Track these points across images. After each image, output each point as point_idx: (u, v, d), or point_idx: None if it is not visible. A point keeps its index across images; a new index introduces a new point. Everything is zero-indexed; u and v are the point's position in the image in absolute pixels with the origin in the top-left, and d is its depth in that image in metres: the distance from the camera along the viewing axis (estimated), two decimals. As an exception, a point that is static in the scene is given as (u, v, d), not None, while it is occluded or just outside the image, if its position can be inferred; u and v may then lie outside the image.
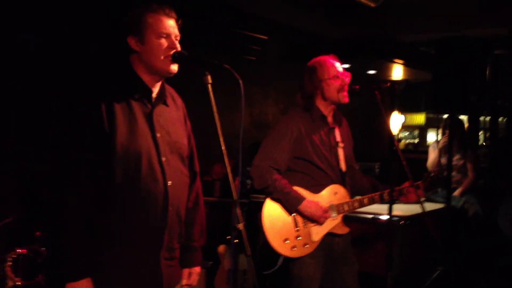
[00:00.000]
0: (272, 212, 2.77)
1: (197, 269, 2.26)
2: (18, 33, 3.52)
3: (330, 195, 2.82)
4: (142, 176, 1.93)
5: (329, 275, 2.89)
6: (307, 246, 2.76)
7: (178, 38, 2.03)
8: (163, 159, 2.00)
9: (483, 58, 3.97)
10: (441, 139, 5.36)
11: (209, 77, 1.90)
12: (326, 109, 2.87)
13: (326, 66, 2.82)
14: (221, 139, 1.89)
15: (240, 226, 1.86)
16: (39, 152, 3.32)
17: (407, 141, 17.57)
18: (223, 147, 1.89)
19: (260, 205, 2.85)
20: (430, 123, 17.27)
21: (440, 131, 5.56)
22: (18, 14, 3.52)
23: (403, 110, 9.18)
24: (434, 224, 2.86)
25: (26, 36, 3.54)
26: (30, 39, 3.56)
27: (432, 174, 3.04)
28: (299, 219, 2.79)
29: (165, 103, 2.10)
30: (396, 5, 4.98)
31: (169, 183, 2.00)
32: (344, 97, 2.82)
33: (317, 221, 2.76)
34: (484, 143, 9.54)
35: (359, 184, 3.03)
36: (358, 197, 2.88)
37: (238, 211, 1.87)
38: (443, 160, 5.24)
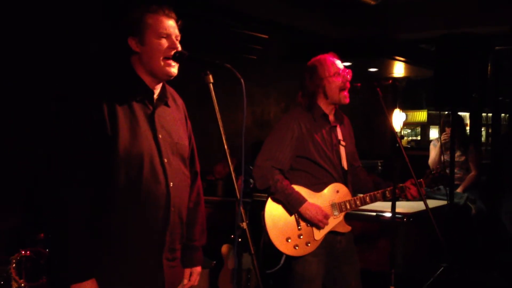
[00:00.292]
0: (274, 211, 2.78)
1: (198, 269, 2.27)
2: (18, 34, 3.52)
3: (332, 193, 2.82)
4: (144, 177, 1.94)
5: (330, 274, 2.90)
6: (309, 244, 2.77)
7: (179, 38, 2.03)
8: (165, 160, 2.01)
9: (484, 54, 3.95)
10: (441, 136, 5.35)
11: (210, 77, 1.91)
12: (327, 108, 2.87)
13: (326, 64, 2.82)
14: (224, 139, 1.89)
15: (244, 225, 1.87)
16: (41, 154, 3.32)
17: (409, 139, 17.56)
18: (225, 147, 1.89)
19: (263, 204, 2.85)
20: (432, 120, 17.26)
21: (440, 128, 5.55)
22: (18, 14, 3.52)
23: (405, 107, 9.18)
24: (436, 221, 2.85)
25: (26, 36, 3.54)
26: (30, 39, 3.56)
27: (434, 172, 3.03)
28: (301, 218, 2.80)
29: (166, 104, 2.11)
30: (396, 3, 4.98)
31: (171, 184, 2.01)
32: (345, 98, 2.83)
33: (316, 224, 2.76)
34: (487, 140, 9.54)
35: (362, 182, 3.03)
36: (360, 195, 2.88)
37: (242, 210, 1.87)
38: (445, 157, 5.24)
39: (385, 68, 6.82)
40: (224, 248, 3.88)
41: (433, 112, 15.58)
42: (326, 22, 5.71)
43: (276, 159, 2.77)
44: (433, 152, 5.57)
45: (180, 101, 2.22)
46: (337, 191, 2.83)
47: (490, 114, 7.31)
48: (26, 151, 3.47)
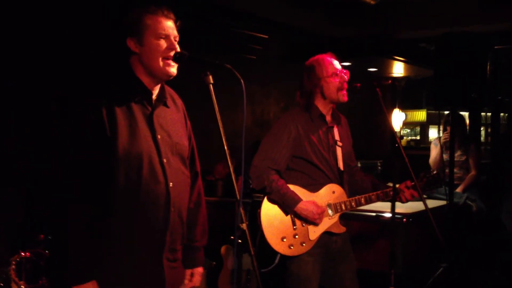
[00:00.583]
0: (270, 211, 2.79)
1: (199, 270, 2.27)
2: (18, 35, 3.52)
3: (328, 194, 2.84)
4: (143, 178, 1.94)
5: (326, 273, 2.90)
6: (304, 244, 2.79)
7: (177, 39, 2.04)
8: (164, 160, 2.01)
9: (483, 53, 3.95)
10: (442, 136, 5.35)
11: (210, 77, 1.91)
12: (325, 108, 2.88)
13: (324, 64, 2.83)
14: (224, 139, 1.89)
15: (244, 226, 1.86)
16: (41, 154, 3.32)
17: (409, 138, 17.57)
18: (225, 147, 1.89)
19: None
20: (432, 120, 17.28)
21: (441, 128, 5.54)
22: (18, 15, 3.51)
23: (404, 107, 9.18)
24: (436, 221, 2.86)
25: (26, 37, 3.54)
26: (29, 40, 3.55)
27: (428, 175, 3.03)
28: (297, 218, 2.81)
29: (165, 105, 2.11)
30: (395, 2, 4.98)
31: (171, 184, 2.01)
32: (343, 96, 2.83)
33: (313, 222, 2.78)
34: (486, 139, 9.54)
35: (358, 183, 3.04)
36: (355, 197, 2.89)
37: (241, 211, 1.87)
38: (445, 157, 5.24)
39: (385, 67, 6.83)
40: (224, 249, 3.88)
41: (433, 111, 15.59)
42: (326, 22, 5.71)
43: (272, 160, 2.78)
44: (434, 151, 5.57)
45: (179, 101, 2.22)
46: (333, 192, 2.85)
47: (489, 114, 7.32)
48: (26, 152, 3.47)
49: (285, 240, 2.77)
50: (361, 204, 2.88)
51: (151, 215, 1.96)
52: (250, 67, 5.59)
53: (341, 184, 2.88)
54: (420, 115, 18.03)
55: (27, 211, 3.37)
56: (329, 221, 2.83)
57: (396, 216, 3.68)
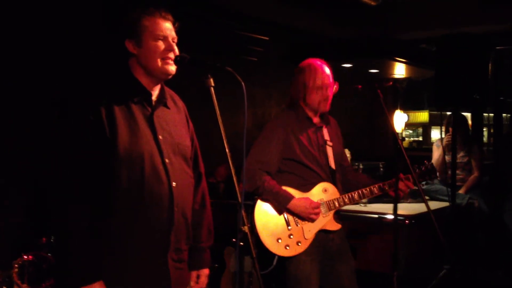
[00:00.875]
0: (263, 212, 2.81)
1: (205, 271, 2.26)
2: (18, 36, 3.53)
3: (320, 192, 2.86)
4: (146, 178, 1.94)
5: (325, 273, 2.91)
6: (300, 244, 2.80)
7: (175, 40, 2.04)
8: (166, 160, 2.01)
9: (484, 54, 3.95)
10: (444, 137, 5.34)
11: (211, 80, 1.91)
12: (309, 112, 2.91)
13: (313, 74, 2.85)
14: (225, 142, 1.89)
15: (245, 228, 1.86)
16: (42, 157, 3.32)
17: (411, 139, 17.54)
18: (227, 149, 1.89)
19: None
20: (434, 121, 17.25)
21: (443, 129, 5.52)
22: (18, 16, 3.52)
23: (406, 108, 9.15)
24: (439, 222, 2.86)
25: (25, 38, 3.54)
26: (29, 41, 3.56)
27: (422, 166, 3.04)
28: (291, 218, 2.83)
29: (165, 105, 2.11)
30: (396, 3, 4.97)
31: (174, 184, 2.01)
32: (325, 107, 2.87)
33: (308, 218, 2.79)
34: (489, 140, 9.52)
35: (351, 182, 3.05)
36: (348, 193, 2.91)
37: (243, 213, 1.87)
38: (448, 158, 5.23)
39: (386, 69, 6.81)
40: (226, 251, 3.88)
41: (435, 112, 15.56)
42: (327, 23, 5.70)
43: (263, 162, 2.82)
44: (436, 153, 5.56)
45: (180, 103, 2.23)
46: (325, 190, 2.87)
47: (491, 114, 7.29)
48: (27, 154, 3.47)
49: (280, 241, 2.78)
50: (354, 200, 2.90)
51: (155, 215, 1.96)
52: (251, 69, 5.59)
53: (333, 182, 2.90)
54: (422, 116, 18.00)
55: (29, 214, 3.37)
56: (323, 219, 2.84)
57: (399, 217, 3.68)
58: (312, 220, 2.80)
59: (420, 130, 18.99)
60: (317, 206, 2.79)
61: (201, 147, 2.28)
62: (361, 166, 5.45)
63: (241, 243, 1.85)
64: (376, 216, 4.10)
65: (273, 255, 2.80)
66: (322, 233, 2.85)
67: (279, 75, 6.14)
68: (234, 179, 1.91)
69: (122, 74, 2.05)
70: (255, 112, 6.06)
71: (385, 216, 4.04)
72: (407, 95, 8.66)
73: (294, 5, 5.09)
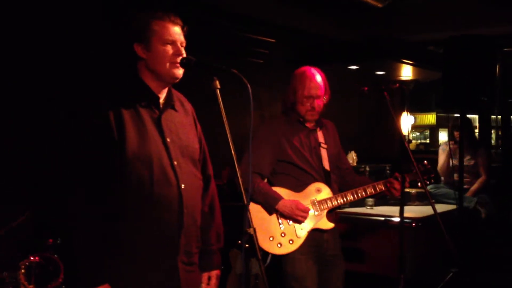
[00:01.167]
0: (256, 212, 2.85)
1: (216, 273, 2.25)
2: (24, 39, 3.55)
3: (313, 192, 2.91)
4: (155, 180, 1.95)
5: (318, 276, 2.93)
6: (292, 242, 2.85)
7: (184, 44, 2.05)
8: (175, 163, 2.01)
9: (492, 56, 3.93)
10: (449, 143, 5.32)
11: (217, 83, 1.91)
12: (301, 117, 2.96)
13: (303, 82, 2.90)
14: (231, 144, 1.89)
15: (251, 230, 1.86)
16: (50, 160, 3.34)
17: (418, 141, 17.47)
18: (233, 152, 1.89)
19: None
20: (441, 123, 17.17)
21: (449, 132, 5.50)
22: (23, 17, 3.54)
23: (413, 110, 9.13)
24: (446, 225, 2.85)
25: (31, 41, 3.56)
26: (34, 44, 3.57)
27: (419, 165, 3.05)
28: (283, 217, 2.88)
29: (173, 108, 2.11)
30: (403, 5, 4.95)
31: (183, 186, 2.01)
32: (312, 116, 2.92)
33: (295, 219, 2.83)
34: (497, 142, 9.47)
35: (349, 184, 3.08)
36: (342, 193, 2.95)
37: (249, 215, 1.87)
38: (454, 162, 5.21)
39: (393, 71, 6.80)
40: (232, 253, 3.88)
41: (442, 114, 15.48)
42: (333, 25, 5.70)
43: (255, 165, 2.87)
44: (442, 157, 5.54)
45: (188, 105, 2.23)
46: (318, 190, 2.91)
47: (499, 116, 7.27)
48: (35, 156, 3.49)
49: (272, 239, 2.83)
50: (348, 199, 2.93)
51: (164, 217, 1.97)
52: (258, 71, 5.60)
53: (327, 182, 2.94)
54: (430, 118, 17.92)
55: (35, 216, 3.38)
56: (316, 218, 2.88)
57: (405, 220, 3.66)
58: (299, 222, 2.84)
59: (427, 132, 18.91)
60: (305, 209, 2.83)
61: (208, 149, 2.28)
62: (367, 168, 5.44)
63: (247, 245, 1.85)
64: (383, 218, 4.09)
65: (267, 253, 2.85)
66: (317, 233, 2.89)
67: (285, 77, 6.14)
68: (240, 181, 1.91)
69: (130, 77, 2.06)
70: (262, 114, 6.06)
71: (392, 218, 4.03)
72: (414, 97, 8.63)
73: (300, 7, 5.09)
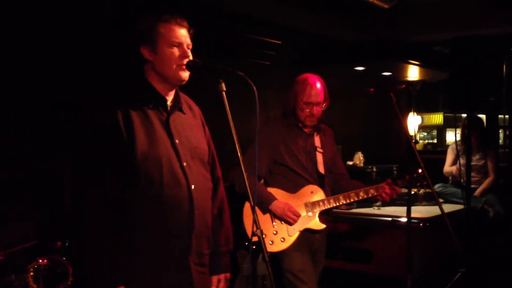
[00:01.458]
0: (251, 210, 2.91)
1: (226, 275, 2.26)
2: (32, 44, 3.57)
3: (306, 194, 3.02)
4: (165, 181, 1.95)
5: None
6: (284, 240, 2.96)
7: (190, 47, 2.06)
8: (184, 164, 2.02)
9: (499, 56, 3.92)
10: (457, 145, 5.30)
11: (223, 85, 1.92)
12: (300, 122, 3.07)
13: (305, 89, 2.99)
14: (237, 146, 1.90)
15: (258, 231, 1.87)
16: (60, 163, 3.36)
17: (426, 142, 17.40)
18: (239, 154, 1.90)
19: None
20: (448, 123, 17.08)
21: (459, 131, 5.46)
22: (30, 24, 3.56)
23: (420, 110, 9.09)
24: (453, 225, 2.84)
25: (36, 44, 3.58)
26: (39, 46, 3.60)
27: (412, 170, 3.11)
28: (274, 216, 2.99)
29: (180, 110, 2.12)
30: (409, 6, 4.95)
31: (193, 187, 2.02)
32: (311, 122, 3.04)
33: (285, 221, 2.95)
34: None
35: (343, 188, 3.18)
36: (334, 195, 3.06)
37: (256, 217, 1.88)
38: (462, 161, 5.18)
39: (399, 71, 6.77)
40: (240, 254, 3.88)
41: (449, 114, 15.41)
42: (339, 26, 5.70)
43: (252, 166, 2.87)
44: (451, 156, 5.51)
45: (196, 108, 2.24)
46: (311, 192, 3.03)
47: (507, 116, 7.21)
48: (42, 159, 3.51)
49: (265, 236, 2.93)
50: (340, 202, 3.04)
51: (175, 218, 1.97)
52: (264, 73, 5.60)
53: (321, 185, 3.05)
54: (437, 118, 17.83)
55: (44, 218, 3.41)
56: (308, 219, 3.00)
57: (413, 220, 3.65)
58: (289, 224, 2.95)
59: (435, 132, 18.82)
60: (296, 212, 2.94)
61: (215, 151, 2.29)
62: (374, 169, 5.43)
63: (254, 247, 1.85)
64: (390, 219, 4.08)
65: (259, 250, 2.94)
66: (308, 233, 3.00)
67: (292, 79, 6.14)
68: (247, 183, 1.92)
69: (136, 80, 2.07)
70: (268, 115, 6.06)
71: (399, 219, 4.02)
72: (421, 97, 8.60)
73: (306, 9, 5.10)
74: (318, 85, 3.02)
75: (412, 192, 4.37)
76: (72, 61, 3.72)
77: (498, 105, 3.97)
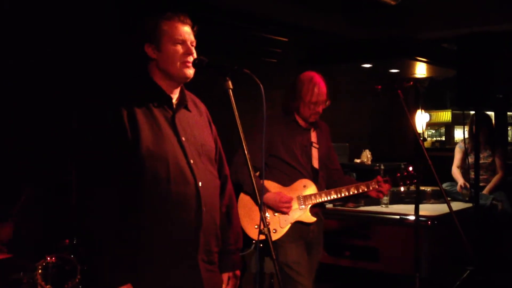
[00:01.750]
0: (245, 202, 3.07)
1: (236, 273, 2.25)
2: (38, 44, 3.58)
3: (299, 187, 3.10)
4: (172, 179, 1.95)
5: None
6: (275, 231, 3.04)
7: (194, 44, 2.05)
8: (191, 161, 2.02)
9: (507, 53, 3.89)
10: (466, 138, 5.26)
11: (229, 83, 1.92)
12: (300, 119, 3.13)
13: (311, 89, 3.05)
14: (244, 144, 1.90)
15: (265, 230, 1.87)
16: (65, 159, 3.38)
17: (434, 139, 17.32)
18: (246, 152, 1.90)
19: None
20: (457, 120, 16.98)
21: (467, 128, 5.43)
22: (36, 24, 3.57)
23: (428, 107, 9.05)
24: (462, 223, 2.83)
25: (44, 46, 3.60)
26: (45, 46, 3.61)
27: (404, 169, 3.19)
28: (269, 208, 3.06)
29: (186, 108, 2.12)
30: (416, 2, 4.92)
31: (200, 184, 2.01)
32: (314, 119, 3.12)
33: (279, 211, 3.03)
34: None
35: (336, 184, 3.25)
36: (326, 190, 3.15)
37: (263, 214, 1.88)
38: (471, 160, 5.15)
39: (407, 68, 6.74)
40: (247, 252, 3.88)
41: (458, 111, 15.31)
42: (346, 24, 5.67)
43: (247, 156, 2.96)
44: (459, 154, 5.48)
45: (202, 106, 2.24)
46: (304, 186, 3.11)
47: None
48: (49, 157, 3.52)
49: (257, 227, 2.99)
50: (331, 196, 3.11)
51: (183, 215, 1.97)
52: (270, 71, 5.59)
53: (314, 180, 3.13)
54: (445, 115, 17.74)
55: (52, 216, 3.42)
56: (300, 212, 3.08)
57: (421, 218, 3.65)
58: (283, 213, 3.04)
59: (443, 129, 18.73)
60: (288, 200, 3.02)
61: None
62: (382, 167, 5.41)
63: (261, 244, 1.85)
64: (398, 217, 4.07)
65: (252, 240, 3.04)
66: (300, 225, 3.08)
67: (299, 76, 6.12)
68: (254, 181, 1.92)
69: (141, 78, 2.07)
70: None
71: (407, 217, 4.01)
72: (429, 95, 8.56)
73: (312, 6, 5.08)
74: (323, 83, 3.09)
75: (402, 189, 4.44)
76: (76, 60, 3.73)
77: (506, 102, 3.96)
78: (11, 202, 3.30)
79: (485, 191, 5.15)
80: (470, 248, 2.94)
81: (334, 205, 4.53)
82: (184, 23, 2.04)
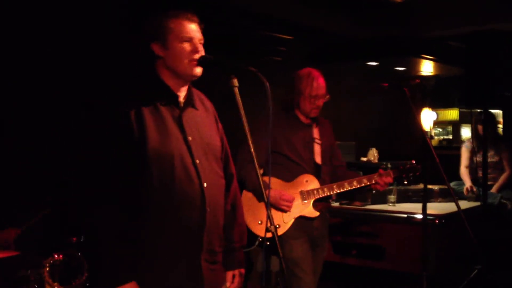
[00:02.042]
0: (248, 198, 3.09)
1: (241, 271, 2.25)
2: (42, 44, 3.59)
3: (301, 183, 3.13)
4: (177, 178, 1.95)
5: None
6: (279, 227, 3.06)
7: (202, 41, 2.04)
8: (197, 161, 2.01)
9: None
10: (471, 138, 5.24)
11: (235, 81, 1.91)
12: (300, 114, 3.16)
13: (310, 83, 3.09)
14: (250, 142, 1.90)
15: (272, 228, 1.86)
16: (71, 157, 3.38)
17: (441, 138, 17.23)
18: (252, 150, 1.90)
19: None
20: (464, 118, 16.88)
21: (472, 127, 5.41)
22: (40, 23, 3.58)
23: (435, 106, 9.02)
24: (470, 222, 2.82)
25: (51, 45, 3.61)
26: (54, 48, 3.62)
27: (406, 163, 3.22)
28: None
29: (193, 106, 2.11)
30: (423, 0, 4.89)
31: (205, 184, 2.01)
32: (315, 113, 3.14)
33: (279, 208, 3.04)
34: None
35: (342, 179, 3.25)
36: (328, 184, 3.16)
37: (270, 213, 1.87)
38: (478, 158, 5.13)
39: (413, 66, 6.72)
40: (254, 251, 3.88)
41: (465, 110, 15.23)
42: (351, 22, 5.66)
43: (252, 153, 2.97)
44: (465, 155, 5.46)
45: (209, 103, 2.23)
46: (306, 181, 3.13)
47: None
48: (56, 154, 3.54)
49: (261, 223, 3.04)
50: (333, 190, 3.14)
51: (186, 215, 1.97)
52: (275, 69, 5.58)
53: (317, 175, 3.15)
54: (452, 113, 17.62)
55: (59, 214, 3.43)
56: (302, 207, 3.10)
57: (428, 217, 3.63)
58: (284, 211, 3.05)
59: (450, 128, 18.65)
60: (289, 199, 3.03)
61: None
62: (389, 165, 5.38)
63: (268, 243, 1.85)
64: (405, 215, 4.05)
65: (256, 236, 3.06)
66: (304, 220, 3.09)
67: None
68: (260, 180, 1.92)
69: (148, 77, 2.07)
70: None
71: (414, 215, 3.99)
72: (436, 93, 8.51)
73: (317, 5, 5.07)
74: (321, 78, 3.13)
75: (409, 187, 4.44)
76: (82, 59, 3.73)
77: (514, 100, 3.93)
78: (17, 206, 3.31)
79: (493, 190, 5.12)
80: (478, 247, 2.92)
81: (340, 204, 4.52)
82: (191, 20, 2.03)
